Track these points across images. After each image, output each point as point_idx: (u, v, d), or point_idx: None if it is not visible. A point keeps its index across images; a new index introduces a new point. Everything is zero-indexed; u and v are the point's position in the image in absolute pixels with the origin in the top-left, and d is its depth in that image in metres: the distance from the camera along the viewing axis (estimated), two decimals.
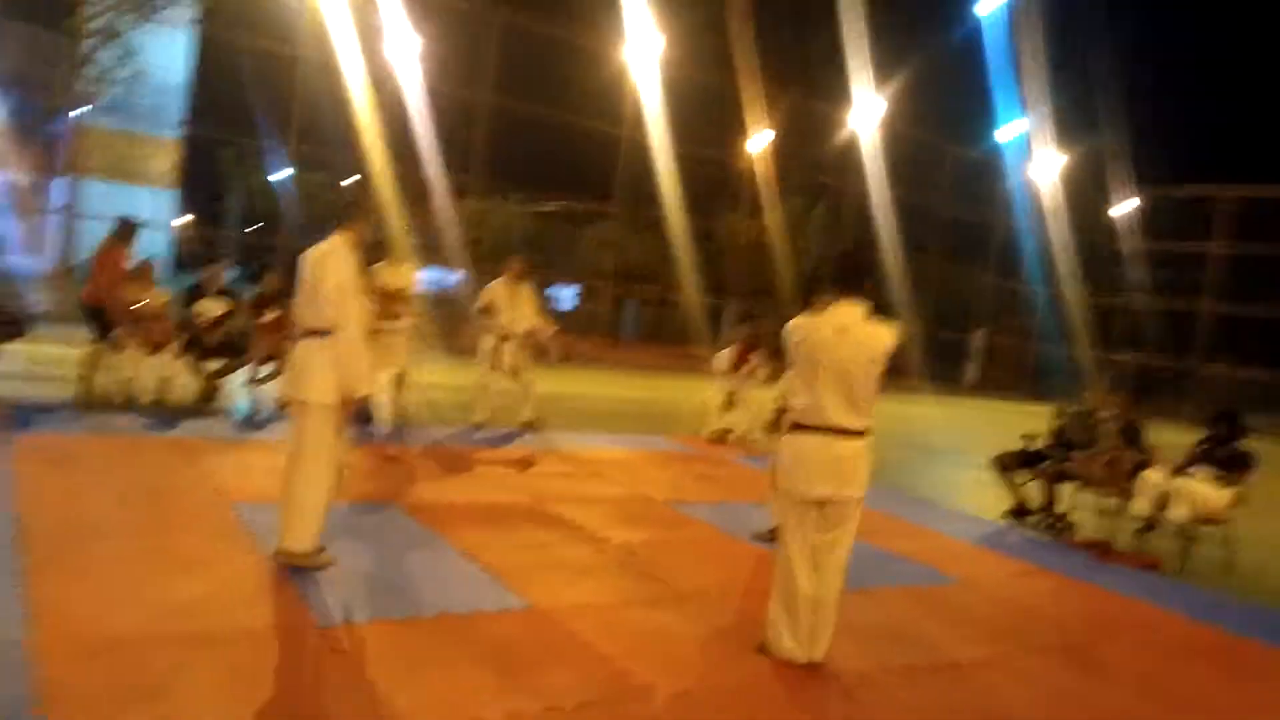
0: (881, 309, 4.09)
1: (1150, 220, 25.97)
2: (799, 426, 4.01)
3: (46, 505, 4.88)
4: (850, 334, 3.92)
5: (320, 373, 4.37)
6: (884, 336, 4.00)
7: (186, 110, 26.20)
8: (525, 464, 7.70)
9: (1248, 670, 4.90)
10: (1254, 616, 5.88)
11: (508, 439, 8.68)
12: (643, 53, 19.06)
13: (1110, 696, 4.21)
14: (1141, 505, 7.01)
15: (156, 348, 8.04)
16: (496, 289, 9.18)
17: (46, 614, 3.53)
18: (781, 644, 4.02)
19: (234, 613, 3.80)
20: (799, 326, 4.04)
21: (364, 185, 16.85)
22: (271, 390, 8.56)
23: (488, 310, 9.14)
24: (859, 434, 3.96)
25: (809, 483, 3.93)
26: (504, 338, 9.11)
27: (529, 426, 9.15)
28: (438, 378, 12.04)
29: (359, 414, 4.55)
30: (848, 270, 4.11)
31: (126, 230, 8.22)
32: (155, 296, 8.31)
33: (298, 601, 4.02)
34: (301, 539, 4.41)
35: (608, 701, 3.46)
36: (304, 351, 4.45)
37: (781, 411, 6.14)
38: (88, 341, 7.88)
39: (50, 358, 8.77)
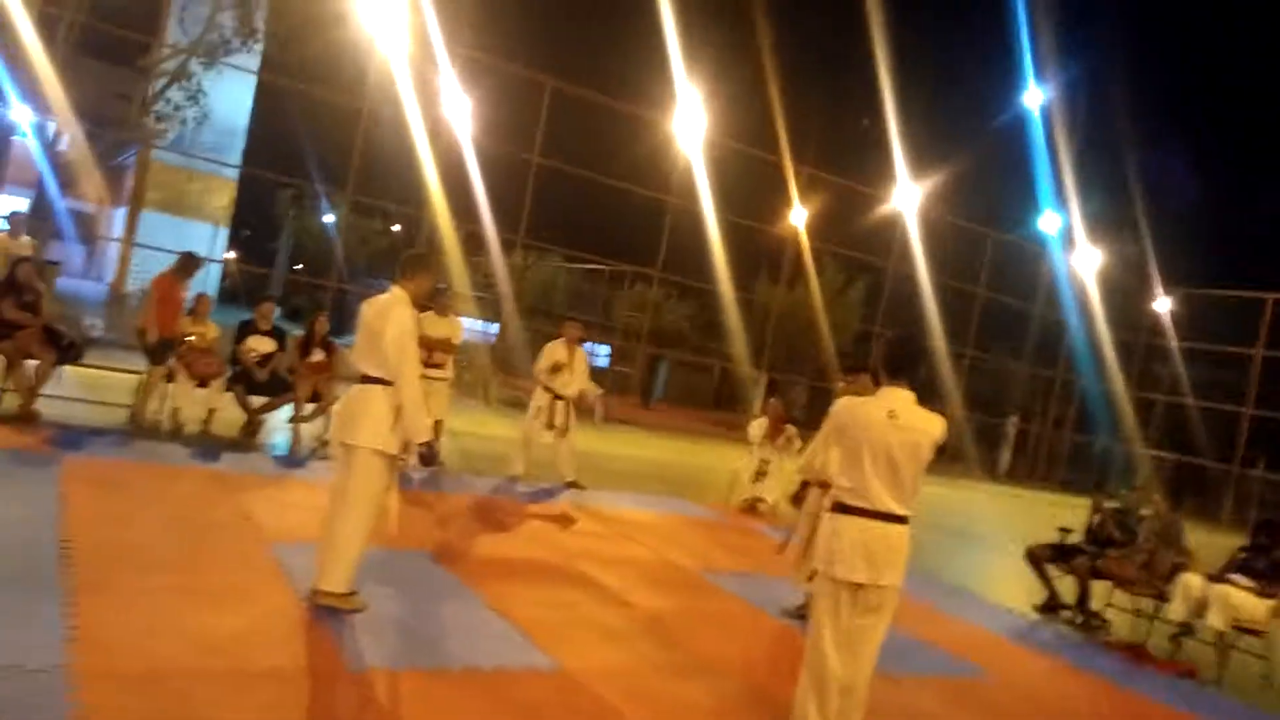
0: (927, 395, 4.10)
1: (1192, 319, 25.78)
2: (841, 507, 3.98)
3: (91, 529, 4.98)
4: (901, 420, 3.90)
5: (374, 419, 4.47)
6: (934, 425, 3.99)
7: (246, 151, 27.01)
8: (564, 521, 7.74)
9: None
10: None
11: (542, 495, 8.72)
12: (690, 123, 19.47)
13: None
14: (1178, 609, 6.87)
15: (205, 380, 8.22)
16: (556, 350, 9.37)
17: (88, 640, 3.60)
18: None
19: (269, 652, 3.85)
20: (849, 408, 4.04)
21: (431, 243, 17.23)
22: (312, 429, 8.72)
23: (553, 370, 9.30)
24: (902, 520, 3.94)
25: (848, 566, 3.89)
26: (557, 397, 9.26)
27: (572, 485, 9.22)
28: (472, 426, 12.15)
29: (425, 459, 4.64)
30: (901, 356, 4.06)
31: (189, 265, 8.47)
32: (208, 330, 8.53)
33: (329, 644, 4.06)
34: (337, 581, 4.46)
35: None
36: (360, 396, 4.55)
37: (804, 485, 6.16)
38: (142, 370, 8.07)
39: (103, 382, 8.97)
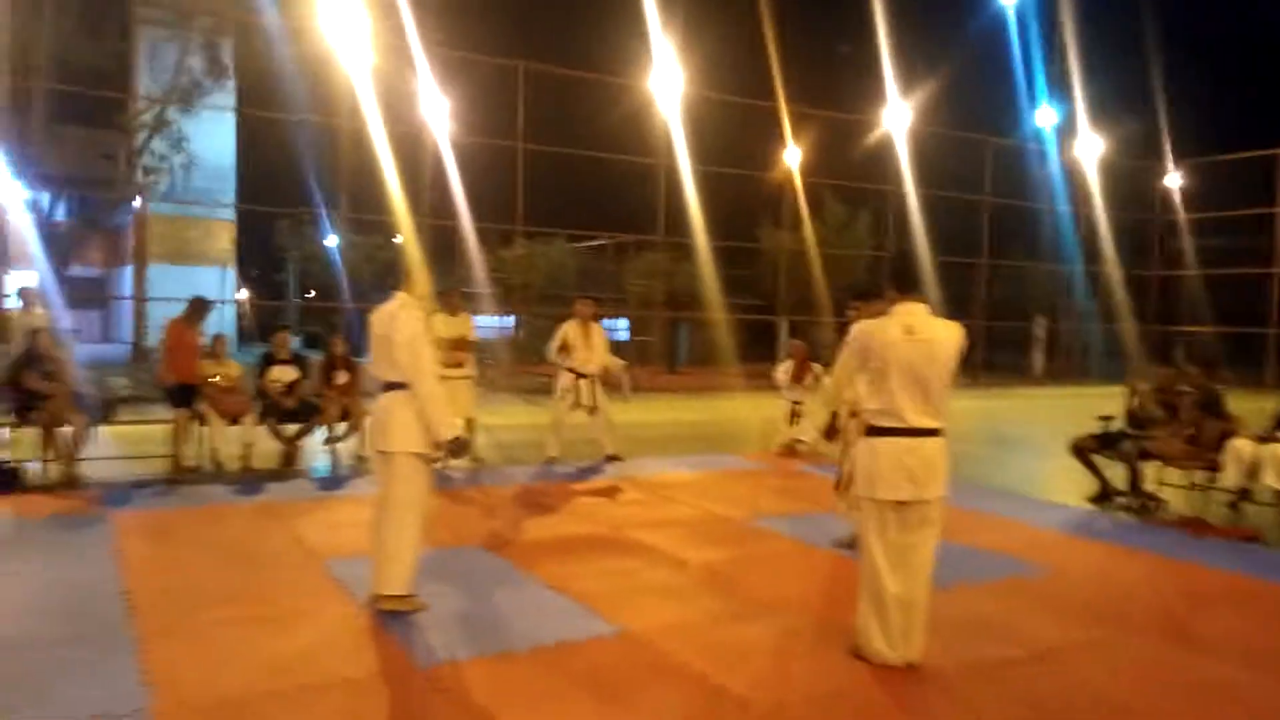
0: (939, 308, 4.12)
1: (1205, 190, 25.35)
2: (874, 430, 4.01)
3: (151, 577, 5.09)
4: (918, 333, 3.95)
5: (403, 423, 4.54)
6: (953, 333, 4.04)
7: (239, 189, 27.14)
8: (607, 495, 7.81)
9: None
10: None
11: (581, 473, 8.79)
12: (668, 80, 19.29)
13: (1214, 670, 4.11)
14: (1231, 475, 6.84)
15: (236, 417, 8.34)
16: (569, 330, 9.48)
17: (163, 681, 3.70)
18: (873, 647, 4.02)
19: (337, 664, 3.93)
20: (866, 330, 4.06)
21: (418, 243, 17.28)
22: (349, 448, 8.82)
23: (564, 350, 9.40)
24: (935, 433, 3.97)
25: (890, 486, 3.94)
26: (580, 376, 9.33)
27: (613, 459, 9.33)
28: (503, 419, 12.24)
29: (455, 453, 4.71)
30: (904, 271, 4.15)
31: (198, 309, 8.57)
32: (230, 369, 8.64)
33: (396, 647, 4.14)
34: (396, 585, 4.54)
35: (707, 717, 3.49)
36: (385, 404, 4.62)
37: (834, 416, 6.16)
38: (170, 418, 8.20)
39: (139, 436, 9.12)
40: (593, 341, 9.47)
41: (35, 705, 3.43)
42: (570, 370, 9.39)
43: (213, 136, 23.16)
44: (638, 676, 3.88)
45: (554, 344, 9.50)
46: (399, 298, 4.72)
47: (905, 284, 4.08)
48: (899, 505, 3.97)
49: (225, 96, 19.15)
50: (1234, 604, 5.16)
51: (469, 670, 3.90)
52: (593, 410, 9.43)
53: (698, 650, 4.18)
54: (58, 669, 3.81)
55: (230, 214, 28.05)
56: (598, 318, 9.75)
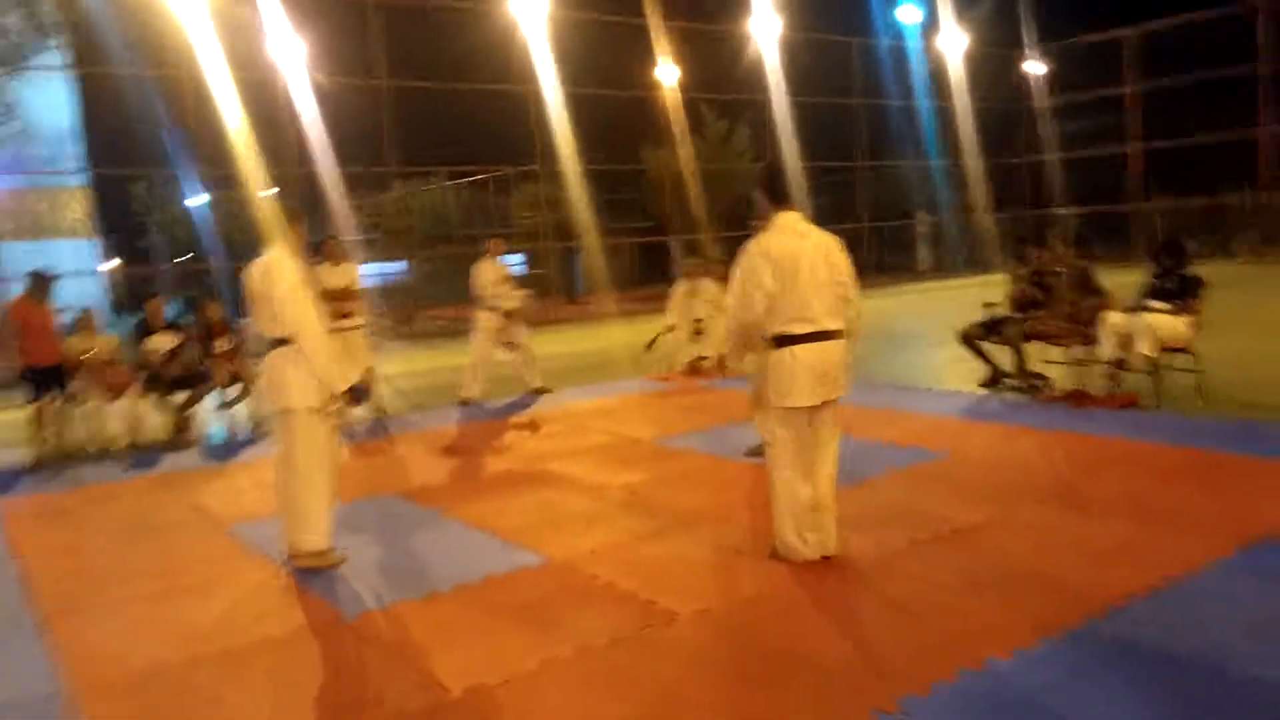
0: (823, 214, 4.19)
1: (1063, 74, 26.25)
2: (789, 339, 4.00)
3: (48, 560, 4.86)
4: (811, 239, 4.03)
5: (295, 379, 4.37)
6: (832, 238, 4.14)
7: (84, 154, 25.39)
8: (518, 431, 7.77)
9: (1231, 480, 5.09)
10: (1231, 431, 6.10)
11: (492, 412, 8.71)
12: (530, 2, 18.73)
13: (1107, 529, 4.37)
14: (1107, 348, 7.19)
15: (118, 392, 7.92)
16: (485, 268, 9.44)
17: (75, 660, 3.55)
18: (790, 547, 4.13)
19: (260, 625, 3.83)
20: (761, 246, 4.04)
21: (286, 193, 16.57)
22: (241, 413, 8.51)
23: (487, 289, 9.35)
24: (839, 334, 4.06)
25: (805, 392, 3.99)
26: (503, 314, 9.35)
27: (540, 391, 9.43)
28: (401, 367, 11.99)
29: (354, 400, 4.58)
30: (775, 183, 4.19)
31: (40, 284, 7.85)
32: (102, 343, 8.17)
33: (318, 602, 4.06)
34: (310, 542, 4.43)
35: (636, 633, 3.54)
36: (274, 361, 4.43)
37: (735, 333, 6.22)
38: (27, 404, 7.64)
39: (8, 422, 8.59)
40: (502, 278, 9.51)
41: None
42: (492, 308, 9.35)
43: (47, 100, 21.50)
44: (566, 601, 3.91)
45: (479, 282, 9.44)
46: (272, 250, 4.50)
47: (778, 196, 4.13)
48: (810, 410, 4.05)
49: (54, 56, 17.73)
50: (1119, 467, 5.49)
51: (396, 616, 3.85)
52: (514, 346, 9.49)
53: (623, 570, 4.22)
54: None
55: (80, 180, 26.28)
56: (502, 252, 9.81)
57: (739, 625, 3.57)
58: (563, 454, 6.66)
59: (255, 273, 4.46)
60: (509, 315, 9.45)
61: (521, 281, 10.36)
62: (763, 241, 4.05)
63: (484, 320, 9.44)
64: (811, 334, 3.97)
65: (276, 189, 17.97)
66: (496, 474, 6.28)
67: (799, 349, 3.98)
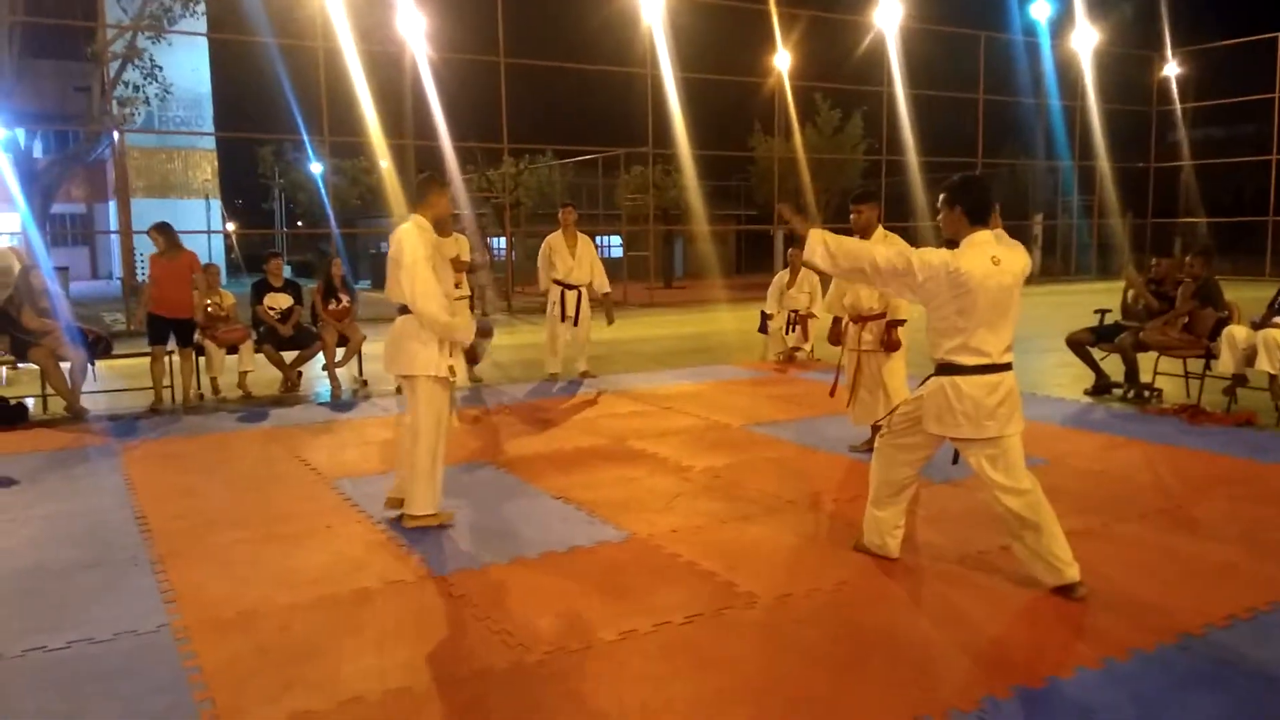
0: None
1: (1203, 79, 24.95)
2: (953, 368, 3.66)
3: (163, 503, 5.16)
4: (1003, 264, 3.61)
5: (420, 346, 4.55)
6: (1022, 255, 3.76)
7: (217, 118, 26.60)
8: (610, 407, 7.85)
9: None
10: None
11: (581, 387, 8.84)
12: None
13: (1211, 551, 4.20)
14: (1226, 362, 6.88)
15: (234, 346, 8.33)
16: (553, 240, 9.31)
17: (184, 599, 3.77)
18: (878, 540, 4.09)
19: (355, 575, 4.01)
20: (958, 261, 3.59)
21: (433, 170, 17.05)
22: (349, 372, 8.85)
23: (548, 263, 9.29)
24: (1010, 366, 3.73)
25: (974, 425, 3.65)
26: (566, 288, 9.24)
27: (585, 375, 9.31)
28: (500, 340, 12.26)
29: (471, 357, 4.76)
30: (978, 201, 3.69)
31: (166, 233, 8.07)
32: (223, 298, 8.60)
33: (411, 558, 4.22)
34: (424, 504, 4.62)
35: (714, 612, 3.58)
36: (399, 328, 4.62)
37: (837, 321, 6.16)
38: (159, 352, 8.05)
39: (136, 370, 9.13)
40: (578, 253, 9.27)
41: (62, 627, 3.50)
42: (556, 282, 9.28)
43: (186, 64, 22.63)
44: (647, 577, 3.97)
45: (541, 257, 9.39)
46: (412, 219, 4.68)
47: (980, 214, 3.67)
48: (967, 441, 3.74)
49: (196, 22, 18.62)
50: (1230, 486, 5.25)
51: (483, 576, 3.98)
52: (575, 322, 9.27)
53: (705, 551, 4.26)
54: (81, 593, 3.88)
55: (210, 144, 27.58)
56: (576, 224, 9.47)
57: (820, 611, 3.57)
58: (650, 434, 6.72)
59: (393, 240, 4.66)
60: (573, 289, 9.19)
61: (614, 264, 10.36)
62: (965, 262, 3.58)
63: (550, 294, 9.35)
64: (980, 366, 3.63)
65: (397, 161, 18.48)
66: (583, 449, 6.38)
67: (962, 381, 3.64)
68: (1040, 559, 3.69)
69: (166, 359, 7.97)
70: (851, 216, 5.80)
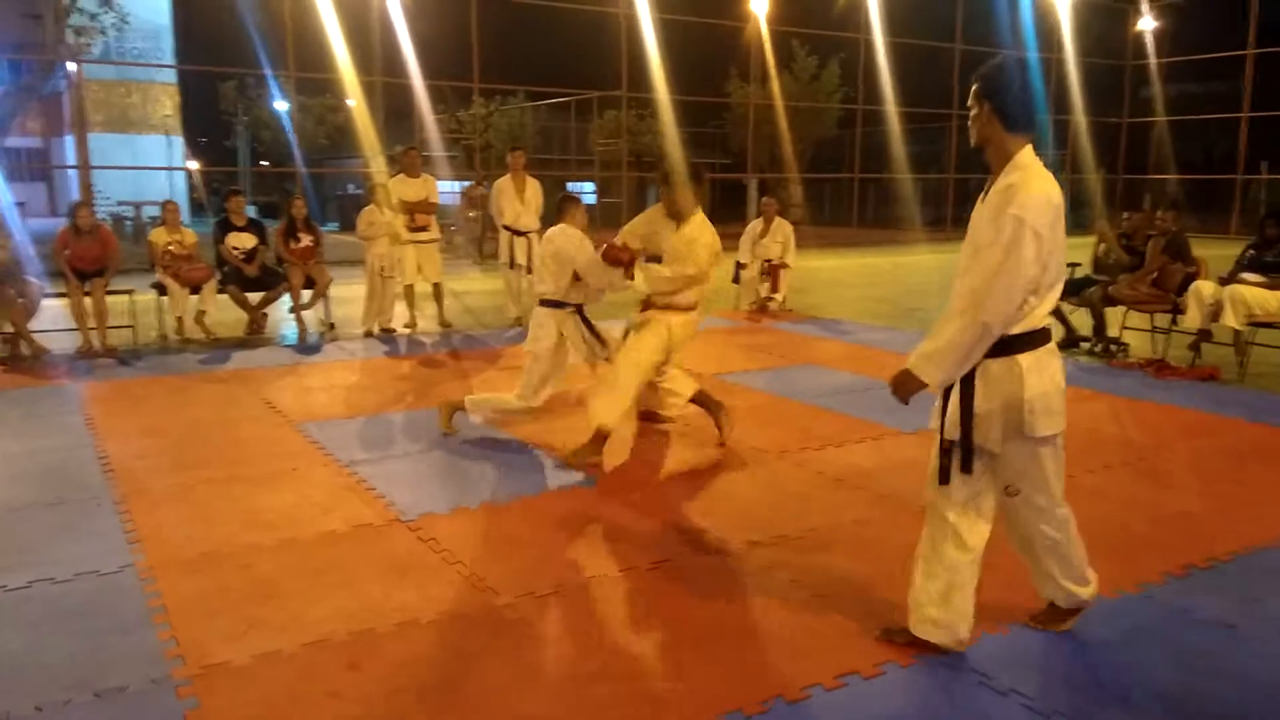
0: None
1: (1177, 34, 24.89)
2: (1039, 337, 2.69)
3: (125, 442, 5.07)
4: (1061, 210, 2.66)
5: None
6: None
7: (178, 51, 25.77)
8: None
9: None
10: None
11: None
12: None
13: (1173, 501, 4.27)
14: (1193, 317, 6.94)
15: (197, 286, 8.16)
16: (502, 184, 9.01)
17: (147, 538, 3.72)
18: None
19: (320, 518, 3.97)
20: (1049, 194, 2.58)
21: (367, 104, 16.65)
22: (315, 314, 8.71)
23: (497, 208, 9.02)
24: None
25: (1057, 418, 2.74)
26: (515, 234, 8.98)
27: (518, 321, 8.97)
28: (469, 285, 12.12)
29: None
30: (1023, 94, 2.67)
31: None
32: (184, 236, 8.38)
33: (379, 502, 4.18)
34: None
35: (682, 558, 3.58)
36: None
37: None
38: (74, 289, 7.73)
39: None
40: (526, 197, 8.94)
41: (24, 566, 3.44)
42: (505, 228, 9.00)
43: None
44: (616, 522, 3.96)
45: (490, 202, 9.13)
46: (562, 229, 5.03)
47: (1024, 117, 2.65)
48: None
49: None
50: (1193, 439, 5.33)
51: (452, 520, 3.95)
52: (528, 269, 8.81)
53: (676, 497, 4.26)
54: (44, 531, 3.81)
55: (172, 77, 26.77)
56: (527, 169, 9.11)
57: (787, 556, 3.59)
58: None
59: (550, 235, 5.02)
60: (522, 235, 8.85)
61: (587, 211, 10.18)
62: (1050, 191, 2.59)
63: (501, 239, 9.11)
64: (1048, 333, 2.75)
65: (366, 99, 18.00)
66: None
67: (1049, 357, 2.72)
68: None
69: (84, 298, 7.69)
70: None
